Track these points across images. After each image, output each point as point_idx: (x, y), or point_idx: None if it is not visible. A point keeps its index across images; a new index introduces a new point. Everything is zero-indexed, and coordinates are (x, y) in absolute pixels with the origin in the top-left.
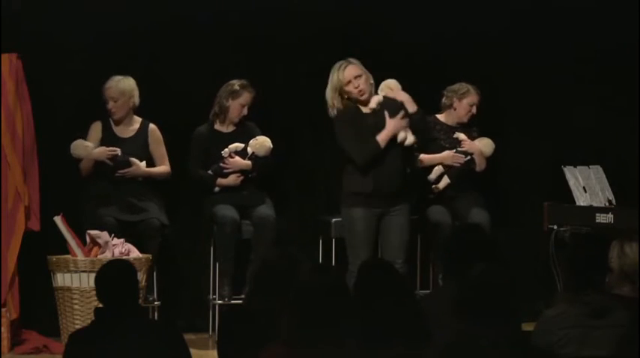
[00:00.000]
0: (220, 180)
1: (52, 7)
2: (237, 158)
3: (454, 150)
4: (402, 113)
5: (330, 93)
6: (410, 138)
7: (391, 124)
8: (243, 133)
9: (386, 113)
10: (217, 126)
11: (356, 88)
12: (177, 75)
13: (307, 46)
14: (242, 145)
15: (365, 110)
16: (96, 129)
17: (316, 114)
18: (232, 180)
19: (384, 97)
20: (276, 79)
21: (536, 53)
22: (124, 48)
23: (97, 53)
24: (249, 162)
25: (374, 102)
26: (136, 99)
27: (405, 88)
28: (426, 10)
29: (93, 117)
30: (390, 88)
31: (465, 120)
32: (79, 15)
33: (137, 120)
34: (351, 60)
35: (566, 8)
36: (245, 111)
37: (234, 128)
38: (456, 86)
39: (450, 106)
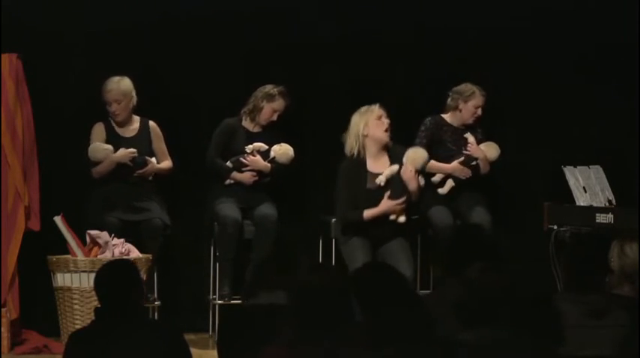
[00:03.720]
0: (235, 174)
1: (52, 6)
2: (259, 157)
3: (461, 159)
4: (402, 199)
5: (353, 129)
6: (401, 219)
7: (385, 205)
8: (268, 136)
9: (387, 194)
10: (245, 123)
11: (387, 124)
12: (178, 75)
13: (306, 45)
14: (266, 147)
15: (370, 168)
16: (99, 130)
17: (317, 113)
18: (247, 177)
19: (397, 175)
20: (276, 79)
21: (536, 53)
22: (124, 48)
23: (97, 53)
24: (268, 165)
25: (386, 174)
26: (135, 99)
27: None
28: (426, 10)
29: (93, 117)
30: (414, 159)
31: (470, 121)
32: (79, 15)
33: (136, 119)
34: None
35: (566, 8)
36: (275, 117)
37: (261, 130)
38: (461, 87)
39: (456, 108)
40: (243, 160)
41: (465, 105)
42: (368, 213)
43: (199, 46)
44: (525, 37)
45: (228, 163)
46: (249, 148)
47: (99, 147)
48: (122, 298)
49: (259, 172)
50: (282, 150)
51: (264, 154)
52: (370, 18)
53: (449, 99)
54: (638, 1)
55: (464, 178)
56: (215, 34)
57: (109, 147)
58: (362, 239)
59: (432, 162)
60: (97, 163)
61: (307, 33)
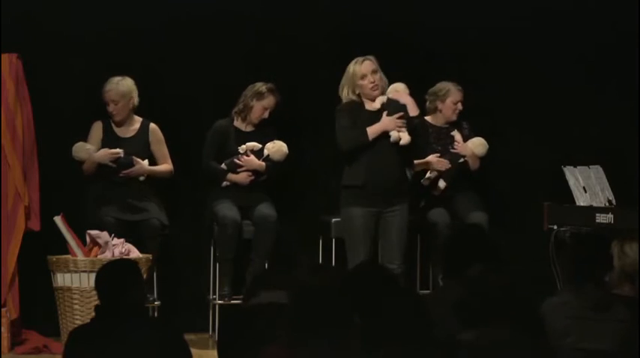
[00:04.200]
0: (231, 176)
1: (52, 7)
2: (253, 157)
3: (438, 155)
4: (399, 114)
5: (343, 86)
6: (405, 139)
7: (385, 121)
8: (261, 135)
9: (385, 112)
10: (237, 124)
11: (371, 82)
12: (178, 74)
13: (306, 46)
14: (259, 145)
15: (368, 106)
16: (97, 129)
17: (317, 113)
18: (243, 177)
19: (388, 99)
20: (276, 79)
21: (537, 52)
22: (124, 48)
23: (97, 53)
24: (263, 164)
25: (378, 102)
26: (136, 100)
27: (411, 92)
28: (425, 8)
29: (93, 117)
30: (397, 90)
31: (454, 118)
32: (79, 15)
33: (137, 120)
34: (369, 57)
35: (566, 8)
36: (266, 114)
37: (253, 128)
38: (436, 88)
39: (435, 109)
40: (237, 161)
41: (444, 105)
42: (371, 130)
43: (200, 46)
44: (525, 37)
45: (223, 165)
46: (242, 148)
47: (81, 146)
48: (122, 297)
49: (255, 171)
50: (276, 148)
51: (258, 153)
52: (368, 16)
53: (427, 103)
54: (638, 1)
55: (443, 169)
56: (215, 34)
57: (91, 146)
58: (361, 209)
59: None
60: (81, 162)
61: (306, 32)
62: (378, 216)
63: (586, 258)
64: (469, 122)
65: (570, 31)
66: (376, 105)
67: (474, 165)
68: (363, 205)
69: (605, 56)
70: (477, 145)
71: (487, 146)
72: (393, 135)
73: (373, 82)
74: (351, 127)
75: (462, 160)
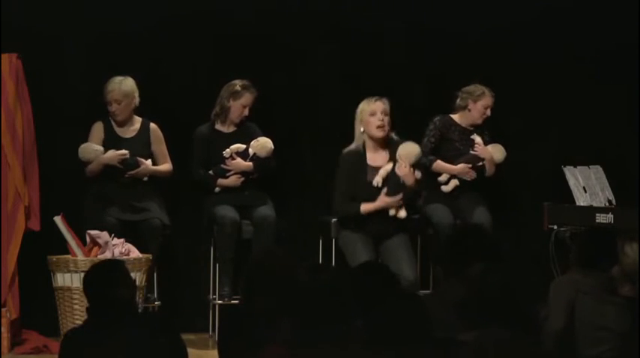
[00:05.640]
0: (221, 181)
1: (52, 7)
2: (239, 159)
3: (467, 157)
4: (399, 196)
5: (356, 122)
6: (402, 214)
7: (383, 201)
8: (244, 134)
9: (384, 191)
10: (218, 126)
11: (379, 120)
12: (178, 75)
13: (307, 46)
14: (243, 146)
15: (370, 161)
16: (98, 130)
17: (317, 114)
18: (233, 181)
19: (393, 171)
20: (276, 80)
21: (537, 53)
22: (125, 48)
23: (97, 53)
24: (250, 164)
25: (381, 174)
26: (137, 100)
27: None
28: (427, 10)
29: (93, 117)
30: (403, 162)
31: (480, 122)
32: (80, 15)
33: (137, 120)
34: (382, 98)
35: (567, 7)
36: (246, 112)
37: (235, 128)
38: (471, 87)
39: (465, 108)
40: (224, 167)
41: (475, 106)
42: (365, 207)
43: (199, 46)
44: (526, 37)
45: (211, 172)
46: (226, 153)
47: (89, 147)
48: (110, 297)
49: (244, 172)
50: (260, 145)
51: (244, 154)
52: (366, 17)
53: (458, 100)
54: (638, 1)
55: (469, 179)
56: (217, 34)
57: (99, 148)
58: (363, 235)
59: (439, 162)
60: (87, 163)
61: (303, 35)
62: (378, 241)
63: (591, 249)
64: (489, 130)
65: (571, 32)
66: (377, 178)
67: (490, 170)
68: (361, 232)
69: (606, 56)
70: (496, 150)
71: (505, 153)
72: (391, 211)
73: (381, 121)
74: (349, 190)
75: (480, 163)
